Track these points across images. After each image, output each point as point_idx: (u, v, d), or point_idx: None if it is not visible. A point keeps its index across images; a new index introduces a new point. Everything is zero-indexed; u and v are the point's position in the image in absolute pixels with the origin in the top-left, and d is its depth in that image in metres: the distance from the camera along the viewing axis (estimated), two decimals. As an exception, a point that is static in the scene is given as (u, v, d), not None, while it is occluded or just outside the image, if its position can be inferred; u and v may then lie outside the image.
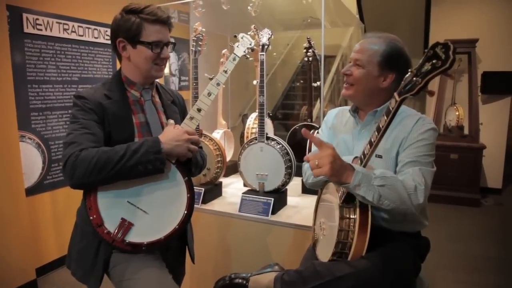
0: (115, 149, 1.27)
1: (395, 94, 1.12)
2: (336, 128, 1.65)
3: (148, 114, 1.47)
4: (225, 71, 1.48)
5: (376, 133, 1.19)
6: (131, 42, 1.38)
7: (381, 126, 1.17)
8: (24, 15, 2.75)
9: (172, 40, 1.47)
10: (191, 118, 1.42)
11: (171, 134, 1.35)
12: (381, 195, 1.24)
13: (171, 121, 1.44)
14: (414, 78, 1.06)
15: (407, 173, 1.32)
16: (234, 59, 1.53)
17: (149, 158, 1.27)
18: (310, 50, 2.92)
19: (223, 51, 2.90)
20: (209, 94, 1.45)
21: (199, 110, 1.43)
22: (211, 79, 1.54)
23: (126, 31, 1.37)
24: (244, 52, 1.58)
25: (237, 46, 1.57)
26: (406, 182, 1.29)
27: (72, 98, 1.39)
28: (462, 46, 4.73)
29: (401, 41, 1.48)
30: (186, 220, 1.40)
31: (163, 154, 1.30)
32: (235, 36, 1.66)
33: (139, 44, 1.38)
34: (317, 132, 2.32)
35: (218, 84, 1.46)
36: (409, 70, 1.09)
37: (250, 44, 1.61)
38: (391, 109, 1.13)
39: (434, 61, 1.00)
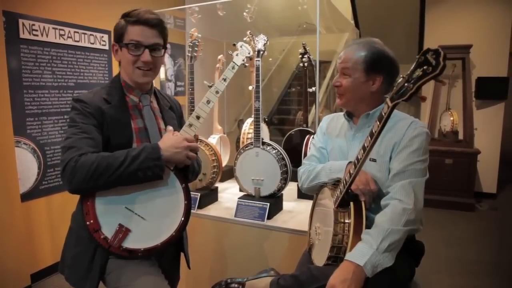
0: (115, 155, 1.26)
1: (387, 100, 1.13)
2: (331, 133, 1.66)
3: (147, 120, 1.46)
4: (224, 79, 1.49)
5: (369, 138, 1.20)
6: (119, 45, 1.40)
7: (374, 131, 1.18)
8: (20, 21, 2.75)
9: (160, 42, 1.40)
10: (190, 125, 1.42)
11: (171, 141, 1.34)
12: (392, 249, 1.25)
13: (170, 128, 1.43)
14: (406, 84, 1.08)
15: (394, 190, 1.35)
16: (233, 68, 1.54)
17: (149, 165, 1.27)
18: (306, 56, 2.94)
19: (219, 57, 2.92)
20: (208, 102, 1.45)
21: (198, 117, 1.43)
22: (210, 86, 1.54)
23: (115, 34, 1.40)
24: (243, 61, 1.60)
25: (236, 55, 1.58)
26: (395, 210, 1.30)
27: (71, 101, 1.37)
28: (456, 52, 4.78)
29: (381, 42, 1.50)
30: (183, 227, 1.40)
31: (163, 161, 1.29)
32: (234, 45, 1.67)
33: (123, 46, 1.38)
34: (312, 137, 2.34)
35: (217, 92, 1.46)
36: (401, 76, 1.11)
37: (249, 53, 1.62)
38: (383, 114, 1.15)
39: (425, 67, 1.02)
